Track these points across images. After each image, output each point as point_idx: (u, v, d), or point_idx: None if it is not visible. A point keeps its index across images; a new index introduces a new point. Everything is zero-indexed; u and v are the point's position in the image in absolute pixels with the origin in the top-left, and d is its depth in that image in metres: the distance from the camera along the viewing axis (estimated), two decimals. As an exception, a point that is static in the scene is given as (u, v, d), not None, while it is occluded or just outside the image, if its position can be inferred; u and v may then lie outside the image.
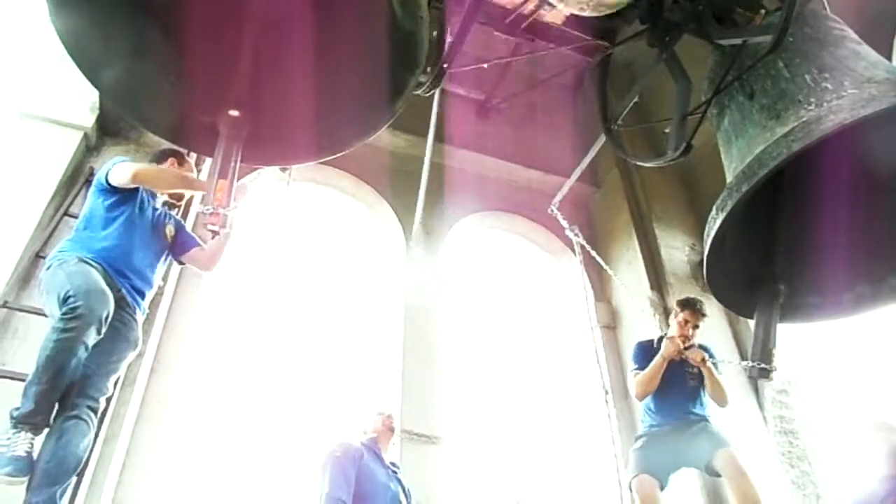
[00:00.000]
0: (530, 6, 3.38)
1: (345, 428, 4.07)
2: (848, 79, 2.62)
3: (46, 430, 2.62)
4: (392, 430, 3.88)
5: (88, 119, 4.25)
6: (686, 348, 3.92)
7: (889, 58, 4.49)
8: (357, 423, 3.99)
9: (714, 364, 3.92)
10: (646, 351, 4.06)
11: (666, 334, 4.09)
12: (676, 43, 3.41)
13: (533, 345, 6.02)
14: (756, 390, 5.33)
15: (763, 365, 3.08)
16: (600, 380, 5.00)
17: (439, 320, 5.41)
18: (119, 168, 3.06)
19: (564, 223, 4.83)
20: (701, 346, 4.03)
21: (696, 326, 3.99)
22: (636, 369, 4.04)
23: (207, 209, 2.47)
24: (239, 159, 2.50)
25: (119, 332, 2.92)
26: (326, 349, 5.15)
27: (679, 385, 3.94)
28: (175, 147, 3.24)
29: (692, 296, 4.33)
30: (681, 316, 4.03)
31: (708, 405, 3.97)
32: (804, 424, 5.15)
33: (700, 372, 3.93)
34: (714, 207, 2.79)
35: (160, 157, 3.40)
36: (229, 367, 4.76)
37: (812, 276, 3.30)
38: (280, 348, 4.95)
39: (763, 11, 3.39)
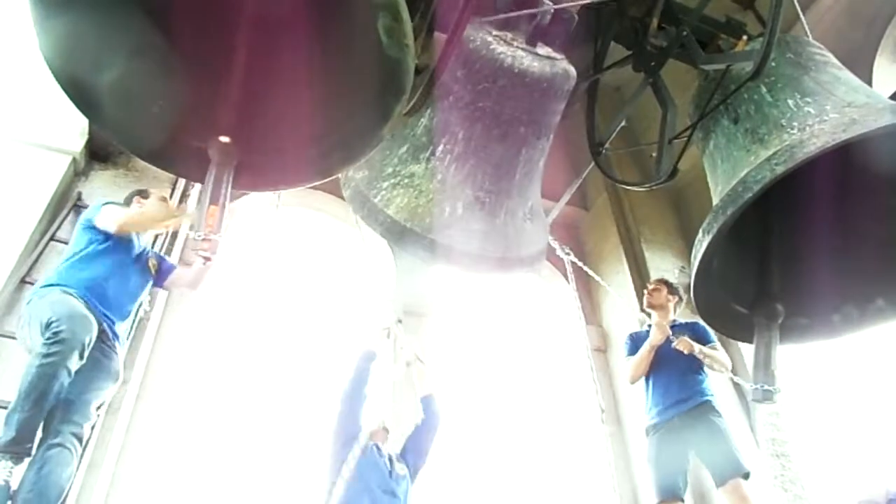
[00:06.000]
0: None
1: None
2: (829, 103, 2.66)
3: (28, 459, 2.59)
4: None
5: (78, 144, 4.24)
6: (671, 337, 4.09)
7: (869, 83, 4.58)
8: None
9: (705, 336, 4.16)
10: (635, 341, 4.34)
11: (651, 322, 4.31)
12: (662, 68, 3.46)
13: (523, 369, 5.99)
14: (748, 412, 5.32)
15: (767, 387, 3.07)
16: (596, 402, 4.99)
17: (430, 343, 5.38)
18: (105, 216, 3.17)
19: (555, 244, 4.83)
20: (689, 324, 4.25)
21: (660, 291, 4.31)
22: (628, 357, 4.31)
23: (199, 235, 2.46)
24: (230, 185, 2.50)
25: (100, 363, 2.92)
26: (315, 375, 5.10)
27: (671, 358, 4.07)
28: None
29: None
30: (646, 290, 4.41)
31: (707, 377, 4.11)
32: (796, 447, 5.14)
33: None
34: (700, 230, 2.80)
35: (127, 201, 3.51)
36: (217, 393, 4.71)
37: (801, 297, 3.30)
38: (268, 374, 4.90)
39: (746, 37, 3.44)
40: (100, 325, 2.93)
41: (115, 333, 3.04)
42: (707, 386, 4.08)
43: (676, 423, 3.94)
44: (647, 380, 4.17)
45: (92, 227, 3.17)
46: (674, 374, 4.06)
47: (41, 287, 2.99)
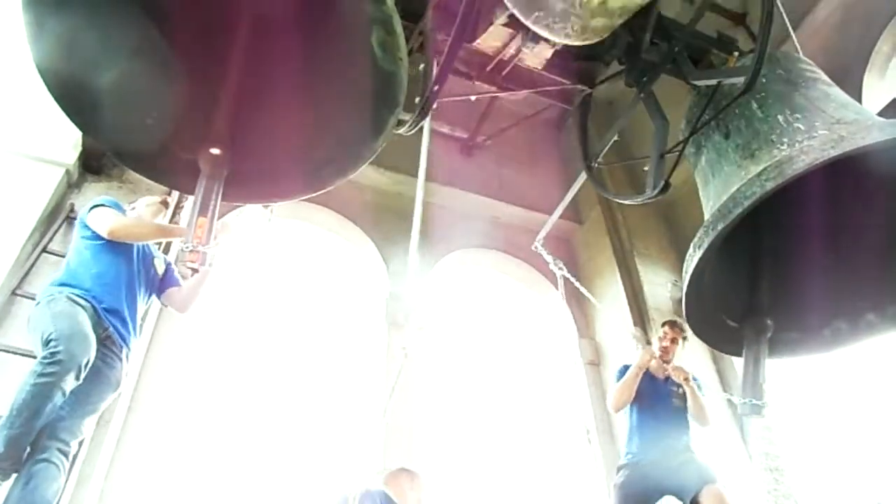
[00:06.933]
0: (510, 51, 3.42)
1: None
2: (819, 119, 2.69)
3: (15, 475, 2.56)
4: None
5: (71, 156, 4.24)
6: (666, 363, 4.03)
7: (859, 100, 4.63)
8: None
9: (698, 385, 4.01)
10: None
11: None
12: (654, 83, 3.48)
13: (517, 382, 5.99)
14: (741, 426, 5.32)
15: (755, 401, 3.07)
16: (589, 418, 4.98)
17: (422, 358, 5.37)
18: (96, 219, 3.09)
19: (548, 257, 4.85)
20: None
21: (674, 340, 4.11)
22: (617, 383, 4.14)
23: (187, 247, 2.46)
24: (220, 197, 2.49)
25: (101, 373, 2.87)
26: (308, 387, 5.09)
27: (663, 406, 3.99)
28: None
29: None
30: (661, 331, 4.19)
31: (693, 433, 3.99)
32: (790, 461, 5.14)
33: (685, 393, 4.00)
34: (691, 245, 2.81)
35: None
36: (209, 406, 4.68)
37: (792, 312, 3.31)
38: (261, 386, 4.88)
39: (737, 53, 3.48)
40: (105, 330, 2.89)
41: (122, 337, 2.98)
42: (691, 440, 3.96)
43: (655, 461, 3.83)
44: (631, 420, 4.03)
45: (87, 227, 3.13)
46: (664, 418, 3.96)
47: (50, 285, 2.94)
